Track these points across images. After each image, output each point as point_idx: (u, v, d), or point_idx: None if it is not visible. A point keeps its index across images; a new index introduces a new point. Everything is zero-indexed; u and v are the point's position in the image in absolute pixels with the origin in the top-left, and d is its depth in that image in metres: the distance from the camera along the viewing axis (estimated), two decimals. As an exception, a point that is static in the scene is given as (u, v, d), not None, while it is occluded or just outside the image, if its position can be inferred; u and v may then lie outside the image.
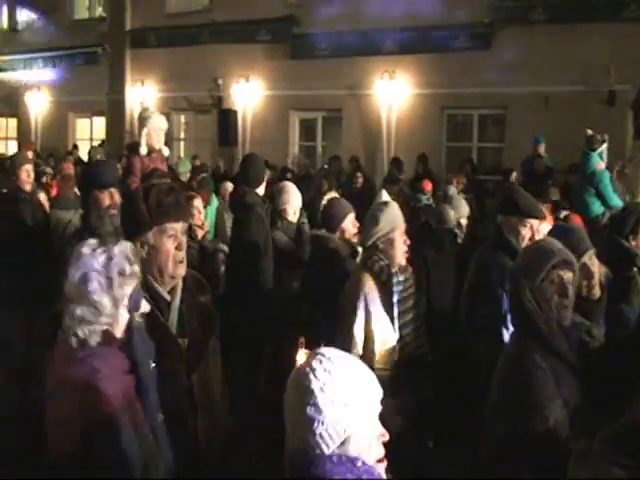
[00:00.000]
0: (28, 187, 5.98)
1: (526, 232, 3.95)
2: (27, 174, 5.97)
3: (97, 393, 2.22)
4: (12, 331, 4.91)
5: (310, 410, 1.64)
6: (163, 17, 16.81)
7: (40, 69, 19.19)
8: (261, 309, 5.03)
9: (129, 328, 2.39)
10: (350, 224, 4.60)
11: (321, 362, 1.69)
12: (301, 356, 3.28)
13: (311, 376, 1.67)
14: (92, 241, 2.38)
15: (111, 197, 4.16)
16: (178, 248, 2.78)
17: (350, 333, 3.62)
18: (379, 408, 1.73)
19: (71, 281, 2.30)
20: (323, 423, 1.64)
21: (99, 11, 19.10)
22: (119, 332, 2.36)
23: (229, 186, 8.12)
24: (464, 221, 5.95)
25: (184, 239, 2.84)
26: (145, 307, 2.47)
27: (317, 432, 1.63)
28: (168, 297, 2.79)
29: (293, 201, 5.59)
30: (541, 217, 4.09)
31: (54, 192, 8.11)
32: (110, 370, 2.29)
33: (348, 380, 1.68)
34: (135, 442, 2.31)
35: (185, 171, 9.69)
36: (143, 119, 6.45)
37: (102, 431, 2.22)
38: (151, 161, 6.16)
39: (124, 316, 2.37)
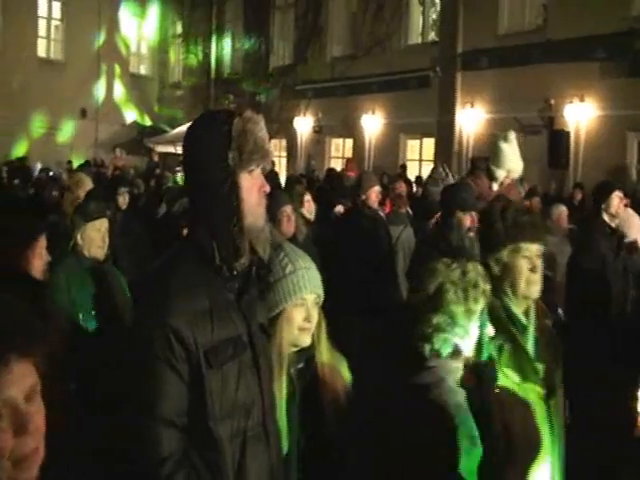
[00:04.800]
0: (375, 205, 6.88)
1: None
2: (376, 195, 6.85)
3: (438, 402, 2.39)
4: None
5: None
6: (494, 38, 17.40)
7: (375, 93, 20.95)
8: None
9: (479, 343, 2.54)
10: None
11: None
12: None
13: None
14: (445, 259, 2.57)
15: (472, 219, 4.37)
16: (532, 270, 2.86)
17: None
18: None
19: (427, 292, 2.50)
20: None
21: (431, 36, 20.37)
22: (468, 346, 2.52)
23: (563, 209, 7.98)
24: None
25: (539, 262, 2.91)
26: (491, 331, 2.60)
27: None
28: (524, 319, 2.89)
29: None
30: None
31: (387, 209, 9.11)
32: (455, 383, 2.46)
33: None
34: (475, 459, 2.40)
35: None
36: (497, 144, 6.62)
37: (439, 439, 2.35)
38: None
39: (475, 331, 2.52)
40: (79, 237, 4.16)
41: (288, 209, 5.64)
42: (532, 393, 2.82)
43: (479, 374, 2.59)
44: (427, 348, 2.47)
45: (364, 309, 5.91)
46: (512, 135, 6.66)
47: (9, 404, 1.40)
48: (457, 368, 2.51)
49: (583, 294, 5.19)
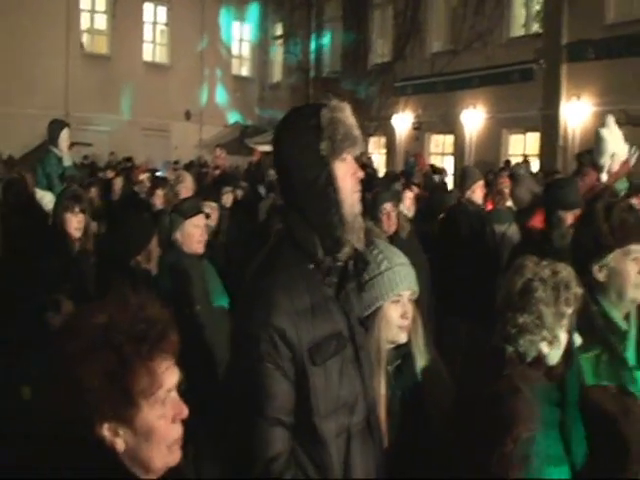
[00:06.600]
0: (480, 201, 6.89)
1: None
2: (481, 189, 6.86)
3: (513, 412, 2.21)
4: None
5: None
6: (601, 28, 16.90)
7: (476, 88, 20.67)
8: None
9: (568, 353, 2.36)
10: None
11: None
12: None
13: None
14: (534, 257, 2.40)
15: (575, 217, 4.11)
16: None
17: None
18: None
19: (513, 288, 2.34)
20: None
21: (535, 27, 19.92)
22: (554, 354, 2.33)
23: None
24: None
25: None
26: (578, 340, 2.41)
27: None
28: (625, 326, 2.71)
29: None
30: None
31: (489, 206, 8.94)
32: (532, 394, 2.25)
33: None
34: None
35: (622, 189, 9.64)
36: (597, 134, 6.53)
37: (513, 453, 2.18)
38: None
39: (563, 337, 2.32)
40: (178, 234, 4.29)
41: (388, 206, 5.67)
42: None
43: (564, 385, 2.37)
44: (510, 350, 2.32)
45: (468, 310, 5.85)
46: (610, 119, 6.50)
47: (171, 394, 1.60)
48: (537, 377, 2.33)
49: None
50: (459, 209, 6.68)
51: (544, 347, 2.30)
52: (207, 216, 4.62)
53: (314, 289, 2.10)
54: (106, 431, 1.53)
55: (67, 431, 1.52)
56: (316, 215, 2.11)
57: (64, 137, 7.85)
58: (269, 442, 1.98)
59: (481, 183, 6.82)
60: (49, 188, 7.46)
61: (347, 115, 2.15)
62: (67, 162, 7.85)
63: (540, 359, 2.32)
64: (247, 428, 2.01)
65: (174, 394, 1.60)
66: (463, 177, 6.91)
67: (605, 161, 6.27)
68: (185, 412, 1.60)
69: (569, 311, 2.30)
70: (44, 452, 1.53)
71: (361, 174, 2.20)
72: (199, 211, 4.44)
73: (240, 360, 2.08)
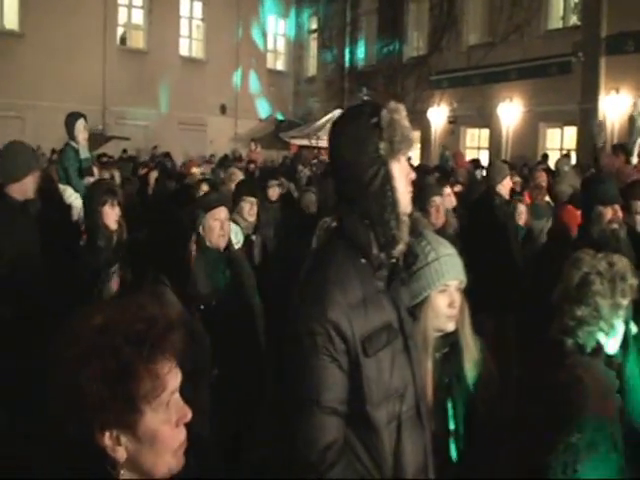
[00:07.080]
0: (507, 196, 6.81)
1: None
2: (509, 184, 6.82)
3: (578, 401, 2.26)
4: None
5: None
6: (641, 20, 16.60)
7: (513, 81, 20.43)
8: None
9: (625, 342, 2.44)
10: None
11: None
12: None
13: None
14: (590, 250, 2.49)
15: (614, 212, 4.28)
16: None
17: None
18: None
19: (570, 282, 2.42)
20: None
21: (573, 19, 19.63)
22: (612, 344, 2.40)
23: None
24: None
25: None
26: (635, 329, 2.50)
27: None
28: None
29: None
30: None
31: (527, 200, 8.87)
32: (593, 382, 2.30)
33: None
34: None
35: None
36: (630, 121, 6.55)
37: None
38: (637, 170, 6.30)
39: (620, 328, 2.41)
40: (201, 228, 4.26)
41: (437, 200, 5.52)
42: None
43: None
44: (569, 342, 2.39)
45: (492, 305, 5.76)
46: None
47: (174, 396, 1.54)
48: (597, 366, 2.40)
49: None
50: (485, 200, 6.65)
51: (602, 337, 2.39)
52: (230, 210, 4.55)
53: (366, 282, 2.16)
54: (107, 440, 1.46)
55: (66, 440, 1.45)
56: (373, 213, 2.17)
57: (79, 128, 7.47)
58: (325, 430, 2.06)
59: (509, 178, 6.78)
60: (67, 182, 7.26)
61: (403, 117, 2.21)
62: (84, 154, 7.54)
63: (599, 349, 2.39)
64: (303, 417, 2.08)
65: (177, 396, 1.54)
66: (493, 172, 6.85)
67: (636, 140, 6.23)
68: (189, 415, 1.55)
69: (625, 302, 2.38)
70: (43, 464, 1.48)
71: (413, 175, 2.26)
72: (219, 204, 4.39)
73: (296, 353, 2.13)
